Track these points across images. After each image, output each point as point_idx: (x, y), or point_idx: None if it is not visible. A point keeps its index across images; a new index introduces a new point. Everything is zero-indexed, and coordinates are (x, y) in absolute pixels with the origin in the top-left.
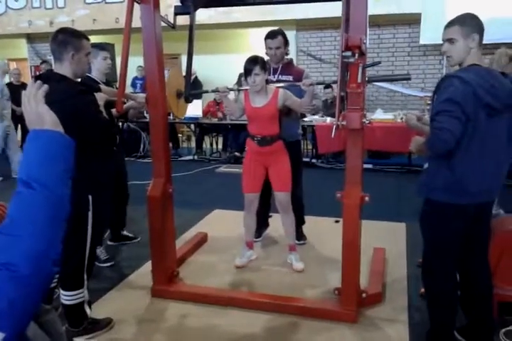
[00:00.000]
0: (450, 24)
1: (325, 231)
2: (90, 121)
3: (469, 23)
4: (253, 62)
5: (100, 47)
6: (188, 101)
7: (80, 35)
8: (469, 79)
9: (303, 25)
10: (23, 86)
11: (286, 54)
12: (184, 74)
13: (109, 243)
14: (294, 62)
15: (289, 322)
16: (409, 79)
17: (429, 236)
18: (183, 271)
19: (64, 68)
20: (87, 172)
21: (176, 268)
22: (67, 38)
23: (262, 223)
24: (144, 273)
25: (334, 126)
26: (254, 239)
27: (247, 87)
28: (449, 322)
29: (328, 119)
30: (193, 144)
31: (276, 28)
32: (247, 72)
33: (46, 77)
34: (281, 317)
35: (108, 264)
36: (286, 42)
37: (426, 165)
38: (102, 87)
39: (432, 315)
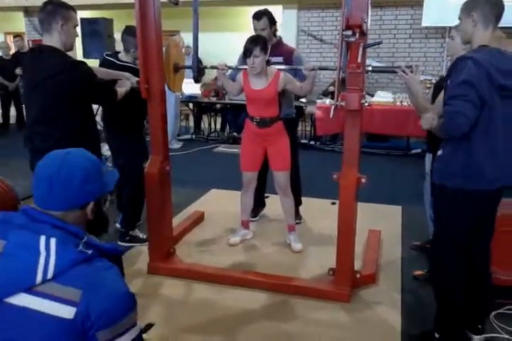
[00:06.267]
0: (463, 2)
1: (321, 213)
2: (100, 87)
3: (473, 1)
4: (253, 42)
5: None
6: (198, 81)
7: (68, 6)
8: (481, 59)
9: (305, 4)
10: (13, 60)
11: (275, 34)
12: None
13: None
14: (294, 41)
15: (283, 301)
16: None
17: (443, 221)
18: (179, 249)
19: (54, 39)
20: (84, 144)
21: (172, 245)
22: (56, 8)
23: (258, 203)
24: (141, 249)
25: (333, 107)
26: (251, 218)
27: (246, 67)
28: (459, 308)
29: (328, 101)
30: (191, 123)
31: (279, 6)
32: (247, 52)
33: (39, 49)
34: (276, 295)
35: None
36: (272, 23)
37: (439, 152)
38: (94, 67)
39: (440, 299)
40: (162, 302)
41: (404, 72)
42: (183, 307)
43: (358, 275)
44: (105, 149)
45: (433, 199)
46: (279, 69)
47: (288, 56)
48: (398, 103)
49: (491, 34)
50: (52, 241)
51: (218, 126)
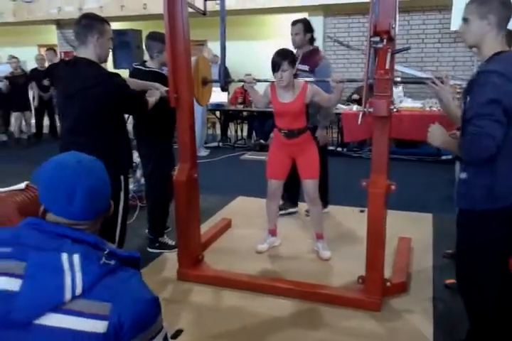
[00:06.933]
0: (470, 2)
1: (350, 221)
2: (134, 97)
3: (488, 3)
4: (281, 56)
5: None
6: (225, 89)
7: (103, 19)
8: (505, 71)
9: (331, 10)
10: (46, 71)
11: (311, 42)
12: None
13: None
14: (321, 48)
15: (312, 309)
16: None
17: (472, 245)
18: (207, 256)
19: (89, 52)
20: (118, 153)
21: (200, 252)
22: (92, 22)
23: (292, 198)
24: (169, 256)
25: (361, 114)
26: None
27: (274, 80)
28: (492, 323)
29: (355, 107)
30: (218, 131)
31: (305, 13)
32: (275, 66)
33: (74, 61)
34: (304, 303)
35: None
36: (307, 30)
37: (463, 175)
38: (126, 78)
39: (473, 314)
40: (191, 309)
41: (434, 82)
42: (211, 314)
43: (388, 284)
44: (135, 156)
45: (457, 226)
46: (306, 81)
47: (314, 65)
48: (427, 108)
49: (502, 38)
50: (75, 257)
51: (245, 134)
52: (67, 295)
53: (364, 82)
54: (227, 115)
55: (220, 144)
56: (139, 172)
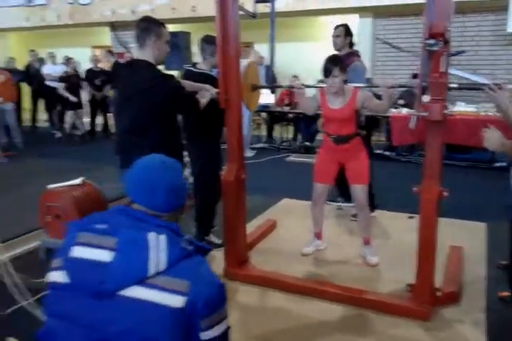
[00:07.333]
0: None
1: (398, 227)
2: (187, 98)
3: None
4: (333, 62)
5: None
6: (273, 92)
7: (160, 23)
8: None
9: (380, 12)
10: (103, 72)
11: (350, 46)
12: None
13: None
14: (369, 50)
15: (359, 315)
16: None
17: None
18: (253, 256)
19: (146, 54)
20: (172, 153)
21: (246, 252)
22: (149, 25)
23: (345, 194)
24: (217, 255)
25: (415, 117)
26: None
27: (323, 85)
28: None
29: (404, 110)
30: (263, 132)
31: (355, 15)
32: (326, 72)
33: (130, 63)
34: (350, 308)
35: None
36: (347, 34)
37: None
38: (180, 80)
39: None
40: (238, 308)
41: (491, 89)
42: (257, 314)
43: (438, 293)
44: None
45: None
46: (355, 87)
47: (348, 65)
48: (482, 113)
49: None
50: (162, 237)
51: (290, 136)
52: (152, 270)
53: (417, 85)
54: (272, 116)
55: (266, 145)
56: (187, 171)
